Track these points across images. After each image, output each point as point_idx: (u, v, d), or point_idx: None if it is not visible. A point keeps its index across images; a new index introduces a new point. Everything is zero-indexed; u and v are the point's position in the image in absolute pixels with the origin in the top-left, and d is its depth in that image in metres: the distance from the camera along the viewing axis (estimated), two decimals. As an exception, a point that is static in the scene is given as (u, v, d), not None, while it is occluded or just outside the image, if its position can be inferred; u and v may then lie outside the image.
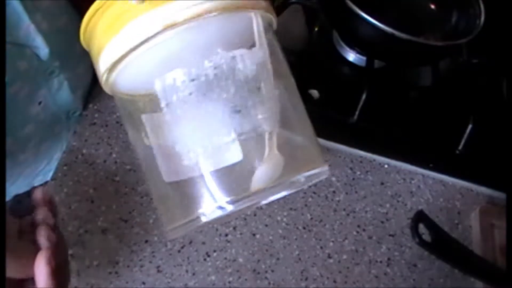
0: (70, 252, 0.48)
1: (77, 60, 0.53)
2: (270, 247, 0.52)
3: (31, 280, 0.31)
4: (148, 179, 0.33)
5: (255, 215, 0.53)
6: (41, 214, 0.32)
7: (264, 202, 0.32)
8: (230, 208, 0.29)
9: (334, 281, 0.51)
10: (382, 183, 0.59)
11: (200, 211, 0.29)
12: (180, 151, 0.30)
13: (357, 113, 0.61)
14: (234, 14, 0.30)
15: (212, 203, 0.29)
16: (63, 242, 0.34)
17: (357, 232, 0.55)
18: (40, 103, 0.50)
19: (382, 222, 0.56)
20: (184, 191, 0.31)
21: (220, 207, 0.29)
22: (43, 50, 0.47)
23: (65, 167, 0.53)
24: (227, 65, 0.29)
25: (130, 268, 0.48)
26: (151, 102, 0.31)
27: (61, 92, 0.52)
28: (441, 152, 0.62)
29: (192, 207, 0.30)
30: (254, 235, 0.52)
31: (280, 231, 0.53)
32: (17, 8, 0.43)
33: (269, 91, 0.30)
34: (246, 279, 0.49)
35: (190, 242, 0.50)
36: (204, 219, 0.29)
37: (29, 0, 0.43)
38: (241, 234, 0.52)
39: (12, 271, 0.30)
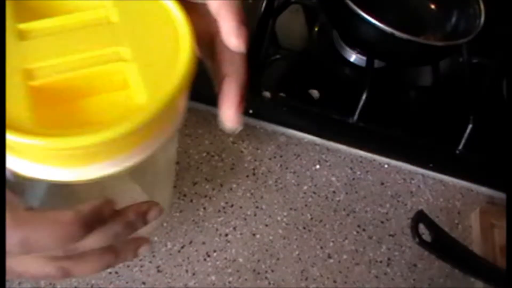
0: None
1: None
2: (270, 247, 0.52)
3: None
4: None
5: (255, 215, 0.53)
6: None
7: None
8: None
9: (334, 281, 0.51)
10: (382, 183, 0.59)
11: None
12: None
13: (357, 113, 0.61)
14: None
15: None
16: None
17: (357, 232, 0.55)
18: None
19: (382, 222, 0.56)
20: None
21: None
22: None
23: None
24: None
25: (130, 268, 0.48)
26: None
27: None
28: (441, 152, 0.62)
29: None
30: (254, 235, 0.52)
31: (280, 231, 0.53)
32: None
33: None
34: (246, 279, 0.49)
35: (190, 242, 0.50)
36: None
37: None
38: (241, 234, 0.52)
39: None
